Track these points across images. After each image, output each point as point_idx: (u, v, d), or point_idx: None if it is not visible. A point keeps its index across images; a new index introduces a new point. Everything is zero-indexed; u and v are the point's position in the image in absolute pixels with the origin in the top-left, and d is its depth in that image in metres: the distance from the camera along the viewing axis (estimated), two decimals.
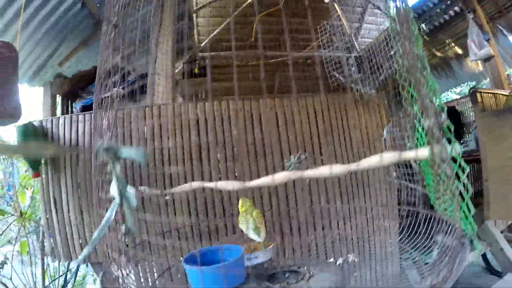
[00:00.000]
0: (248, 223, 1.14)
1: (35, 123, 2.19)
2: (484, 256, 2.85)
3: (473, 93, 2.45)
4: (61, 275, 2.65)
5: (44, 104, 2.42)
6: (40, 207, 2.32)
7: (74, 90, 2.35)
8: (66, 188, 2.14)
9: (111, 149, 0.62)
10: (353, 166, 0.74)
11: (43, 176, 2.20)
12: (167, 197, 1.17)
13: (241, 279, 1.02)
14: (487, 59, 3.39)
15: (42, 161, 2.18)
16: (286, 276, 1.09)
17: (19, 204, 2.37)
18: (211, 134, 2.01)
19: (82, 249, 2.14)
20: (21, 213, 2.31)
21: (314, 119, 2.14)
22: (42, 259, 2.63)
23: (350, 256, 1.43)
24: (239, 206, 1.22)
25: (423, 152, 0.71)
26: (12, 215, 2.20)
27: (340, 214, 2.02)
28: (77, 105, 2.26)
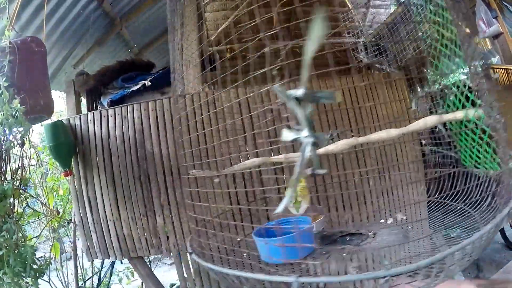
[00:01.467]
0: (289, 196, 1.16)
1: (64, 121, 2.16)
2: (502, 232, 2.90)
3: (486, 68, 2.45)
4: (96, 273, 2.64)
5: (68, 103, 2.38)
6: (73, 206, 2.30)
7: (98, 86, 2.32)
8: (100, 184, 2.12)
9: (306, 94, 0.60)
10: (404, 130, 0.84)
11: (75, 174, 2.18)
12: (217, 180, 1.16)
13: (311, 248, 1.02)
14: (496, 36, 3.38)
15: (73, 159, 2.16)
16: (348, 239, 1.11)
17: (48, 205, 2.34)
18: (247, 118, 1.98)
19: (119, 244, 2.13)
20: (58, 212, 2.28)
21: (343, 98, 2.15)
22: (75, 259, 2.62)
23: (398, 215, 1.45)
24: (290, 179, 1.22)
25: (460, 114, 0.81)
26: (46, 215, 2.17)
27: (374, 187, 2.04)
28: (104, 101, 2.22)
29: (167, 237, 2.06)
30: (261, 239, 1.02)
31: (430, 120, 0.86)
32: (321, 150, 0.94)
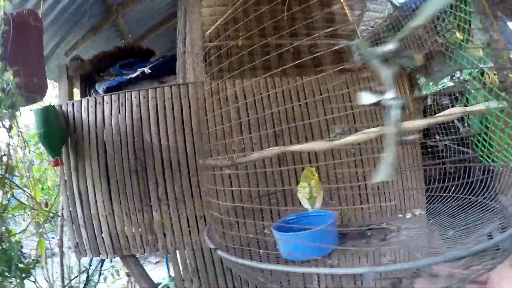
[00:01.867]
0: (304, 192, 1.11)
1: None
2: None
3: (482, 73, 2.51)
4: (83, 271, 2.48)
5: (60, 89, 2.23)
6: (62, 199, 2.14)
7: (93, 73, 2.18)
8: (92, 176, 1.98)
9: (396, 51, 0.55)
10: (432, 120, 0.83)
11: (65, 164, 2.03)
12: (228, 171, 1.07)
13: (335, 243, 0.96)
14: (490, 43, 3.41)
15: (63, 149, 2.01)
16: (368, 234, 1.08)
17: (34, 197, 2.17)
18: (251, 111, 1.89)
19: (111, 241, 1.99)
20: (47, 205, 2.12)
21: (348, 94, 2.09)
22: (61, 257, 2.45)
23: (417, 210, 1.41)
24: (303, 174, 1.18)
25: (482, 106, 0.82)
26: (33, 208, 2.01)
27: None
28: (100, 87, 2.09)
29: (164, 233, 1.94)
30: (284, 234, 0.92)
31: (455, 111, 0.87)
32: (350, 139, 0.91)
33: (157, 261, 3.49)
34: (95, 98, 2.01)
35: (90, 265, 2.50)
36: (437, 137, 2.05)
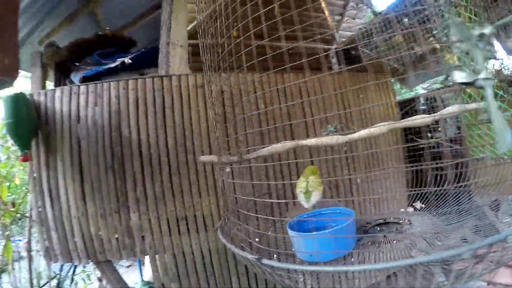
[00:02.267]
0: (300, 186, 1.10)
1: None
2: None
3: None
4: (53, 278, 2.28)
5: (33, 77, 2.06)
6: (30, 198, 1.96)
7: (69, 61, 2.02)
8: (64, 173, 1.81)
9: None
10: (437, 115, 0.87)
11: (34, 159, 1.85)
12: (227, 169, 0.98)
13: (355, 240, 0.91)
14: (467, 52, 3.56)
15: (33, 143, 1.84)
16: (379, 229, 1.06)
17: None
18: (238, 106, 1.78)
19: (85, 245, 1.83)
20: (14, 204, 1.93)
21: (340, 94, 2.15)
22: (30, 262, 2.26)
23: (417, 204, 1.40)
24: (304, 171, 1.16)
25: (480, 104, 0.84)
26: None
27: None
28: (76, 77, 1.93)
29: (143, 236, 1.79)
30: (303, 234, 0.86)
31: (451, 109, 0.92)
32: (361, 133, 0.89)
33: (129, 264, 3.32)
34: (70, 88, 1.85)
35: (61, 271, 2.31)
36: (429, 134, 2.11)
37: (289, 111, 1.95)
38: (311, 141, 1.08)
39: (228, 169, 0.96)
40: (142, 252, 1.81)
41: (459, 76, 0.68)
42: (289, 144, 1.06)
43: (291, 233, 0.86)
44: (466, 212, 1.05)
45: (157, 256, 1.80)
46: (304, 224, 0.97)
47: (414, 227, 1.03)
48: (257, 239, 0.91)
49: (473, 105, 0.97)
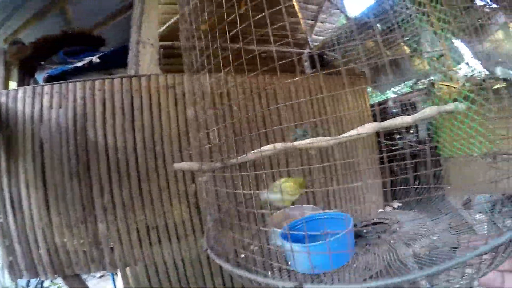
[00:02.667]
0: (273, 185, 1.06)
1: None
2: None
3: (431, 84, 2.60)
4: None
5: None
6: None
7: (34, 59, 1.90)
8: (27, 180, 1.68)
9: None
10: (416, 116, 0.86)
11: None
12: (204, 178, 0.88)
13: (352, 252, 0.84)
14: (438, 57, 3.65)
15: None
16: (365, 232, 1.02)
17: None
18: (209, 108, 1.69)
19: (50, 259, 1.70)
20: None
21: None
22: None
23: (394, 203, 1.36)
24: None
25: (452, 106, 0.92)
26: None
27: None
28: (39, 76, 1.82)
29: (111, 248, 1.67)
30: (301, 245, 0.75)
31: (430, 110, 0.92)
32: (348, 134, 0.88)
33: (101, 275, 3.17)
34: (34, 88, 1.73)
35: (28, 286, 2.17)
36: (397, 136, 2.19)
37: (263, 114, 1.89)
38: (305, 143, 1.02)
39: (205, 178, 0.86)
40: (111, 265, 1.69)
41: (499, 73, 0.69)
42: (278, 146, 1.00)
43: (286, 245, 0.76)
44: (439, 211, 1.05)
45: (127, 268, 1.68)
46: (293, 235, 0.89)
47: (405, 225, 1.00)
48: (242, 254, 0.82)
49: (450, 106, 1.02)
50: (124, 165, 1.60)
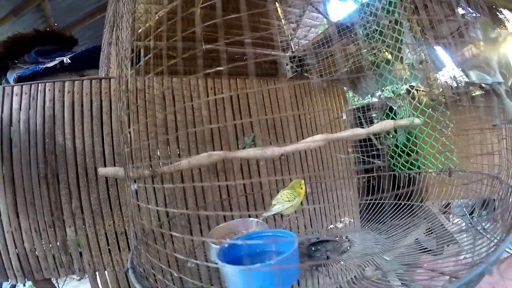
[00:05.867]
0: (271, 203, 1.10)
1: None
2: None
3: (411, 89, 2.64)
4: None
5: None
6: None
7: (6, 58, 1.92)
8: None
9: None
10: (370, 129, 0.96)
11: None
12: (134, 187, 0.88)
13: (297, 274, 0.81)
14: (420, 62, 3.68)
15: None
16: (314, 249, 1.02)
17: None
18: (180, 113, 1.71)
19: (20, 263, 1.73)
20: None
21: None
22: None
23: (346, 219, 1.39)
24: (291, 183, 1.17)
25: (406, 121, 1.00)
26: None
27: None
28: (11, 76, 1.83)
29: (80, 253, 1.71)
30: (236, 268, 0.72)
31: (386, 124, 1.00)
32: (297, 146, 0.94)
33: (81, 277, 3.20)
34: (3, 89, 1.75)
35: None
36: (350, 150, 2.22)
37: (234, 119, 1.90)
38: (241, 153, 1.02)
39: (134, 187, 0.86)
40: (80, 270, 1.72)
41: (478, 77, 0.73)
42: (215, 155, 0.99)
43: (225, 267, 0.72)
44: (417, 216, 1.08)
45: (97, 274, 1.72)
46: (232, 252, 0.87)
47: (356, 244, 1.00)
48: (174, 273, 0.81)
49: (404, 121, 1.05)
50: (92, 170, 1.63)
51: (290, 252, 0.75)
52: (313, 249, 1.04)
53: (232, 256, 0.81)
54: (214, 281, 0.86)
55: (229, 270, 0.70)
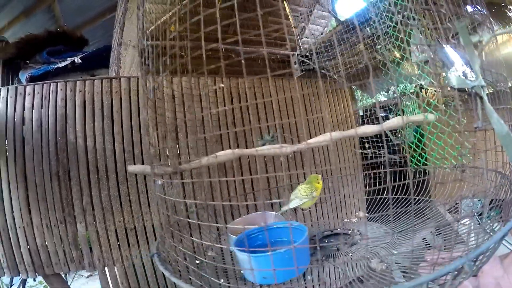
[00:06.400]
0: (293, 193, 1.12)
1: None
2: None
3: (420, 88, 2.65)
4: None
5: None
6: None
7: (19, 58, 1.97)
8: (8, 180, 1.76)
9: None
10: (383, 126, 0.90)
11: None
12: (159, 182, 0.93)
13: (307, 261, 0.87)
14: (427, 62, 3.67)
15: None
16: (326, 241, 1.07)
17: None
18: (188, 111, 1.75)
19: (31, 258, 1.79)
20: None
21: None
22: None
23: (360, 213, 1.41)
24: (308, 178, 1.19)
25: (421, 116, 0.93)
26: None
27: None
28: (23, 75, 1.89)
29: (90, 248, 1.76)
30: (245, 254, 0.78)
31: (398, 120, 0.96)
32: (317, 139, 0.92)
33: (90, 274, 3.26)
34: (16, 88, 1.80)
35: (11, 285, 2.27)
36: (366, 145, 2.21)
37: (242, 117, 1.94)
38: (254, 150, 1.05)
39: (160, 182, 0.91)
40: (90, 265, 1.77)
41: (459, 81, 0.71)
42: (234, 152, 1.02)
43: (240, 254, 0.80)
44: (425, 215, 1.08)
45: (106, 269, 1.77)
46: (249, 242, 0.92)
47: (369, 238, 1.03)
48: (196, 260, 0.86)
49: (418, 117, 1.01)
50: (103, 167, 1.68)
51: (301, 241, 0.80)
52: (325, 241, 1.09)
53: (249, 246, 0.87)
54: (230, 269, 0.91)
55: (244, 257, 0.76)
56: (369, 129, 1.00)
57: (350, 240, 1.04)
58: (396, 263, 0.81)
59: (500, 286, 0.61)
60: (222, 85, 1.84)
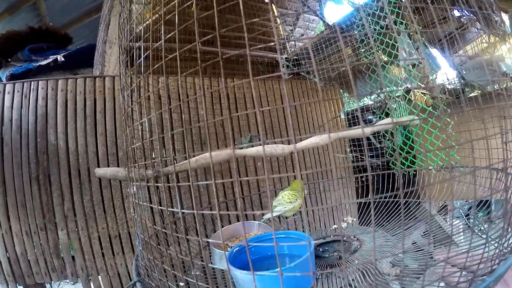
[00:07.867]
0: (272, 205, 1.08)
1: None
2: None
3: (407, 91, 2.64)
4: None
5: None
6: None
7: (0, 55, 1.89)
8: None
9: None
10: (375, 128, 0.98)
11: None
12: (133, 189, 0.84)
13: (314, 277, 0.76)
14: (415, 65, 3.70)
15: None
16: (322, 250, 1.01)
17: None
18: (175, 112, 1.68)
19: (11, 267, 1.70)
20: None
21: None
22: None
23: (349, 218, 1.36)
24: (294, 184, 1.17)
25: (407, 119, 0.94)
26: None
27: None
28: (3, 74, 1.81)
29: (73, 257, 1.67)
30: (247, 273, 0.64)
31: (384, 122, 0.98)
32: (308, 141, 0.90)
33: (75, 282, 3.15)
34: None
35: None
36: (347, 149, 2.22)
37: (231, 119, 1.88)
38: (251, 150, 0.99)
39: (134, 189, 0.81)
40: (73, 275, 1.69)
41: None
42: (223, 153, 0.95)
43: (238, 273, 0.63)
44: (415, 218, 1.06)
45: (90, 278, 1.68)
46: (242, 257, 0.75)
47: (366, 243, 0.97)
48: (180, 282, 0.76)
49: (405, 119, 1.07)
50: (85, 171, 1.59)
51: (307, 256, 0.68)
52: (320, 250, 1.01)
53: (243, 260, 0.75)
54: (220, 285, 0.82)
55: (243, 276, 0.64)
56: (364, 130, 0.98)
57: (349, 247, 0.97)
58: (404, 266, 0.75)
59: (506, 282, 0.55)
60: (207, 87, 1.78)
